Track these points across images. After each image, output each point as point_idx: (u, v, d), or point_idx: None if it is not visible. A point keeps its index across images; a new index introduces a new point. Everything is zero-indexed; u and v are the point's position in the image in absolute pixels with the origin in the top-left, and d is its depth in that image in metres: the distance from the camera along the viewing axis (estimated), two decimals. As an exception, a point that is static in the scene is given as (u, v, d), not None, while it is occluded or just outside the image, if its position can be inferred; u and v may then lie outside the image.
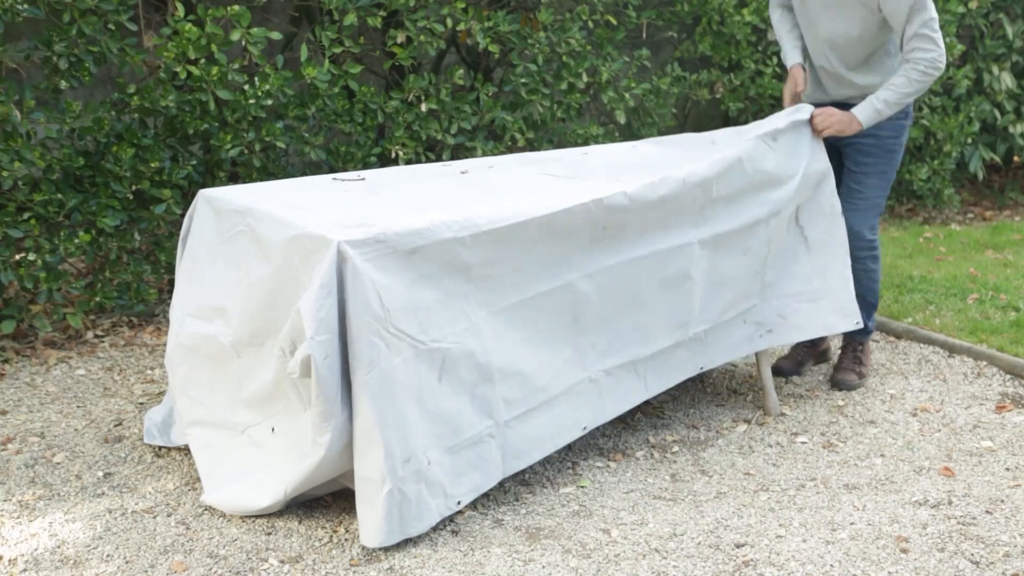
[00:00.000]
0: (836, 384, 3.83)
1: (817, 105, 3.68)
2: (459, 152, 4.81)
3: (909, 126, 3.77)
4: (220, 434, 3.00)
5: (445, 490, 2.77)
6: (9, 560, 2.66)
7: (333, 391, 2.59)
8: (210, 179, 4.36)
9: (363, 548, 2.72)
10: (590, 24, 5.11)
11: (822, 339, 4.06)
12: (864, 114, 3.58)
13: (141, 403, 3.60)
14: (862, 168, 3.72)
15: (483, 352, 2.80)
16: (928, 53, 3.48)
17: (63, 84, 3.96)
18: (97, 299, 4.10)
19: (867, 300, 3.82)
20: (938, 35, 3.50)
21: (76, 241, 3.95)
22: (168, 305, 4.46)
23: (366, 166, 4.52)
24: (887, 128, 3.68)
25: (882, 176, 3.74)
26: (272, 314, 2.78)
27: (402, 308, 2.65)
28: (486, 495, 3.03)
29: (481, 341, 2.80)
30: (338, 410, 2.62)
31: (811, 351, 4.05)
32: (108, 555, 2.69)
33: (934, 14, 3.51)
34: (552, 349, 2.97)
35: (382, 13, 4.46)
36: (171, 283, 4.56)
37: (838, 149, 3.75)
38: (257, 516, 2.86)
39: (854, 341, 3.91)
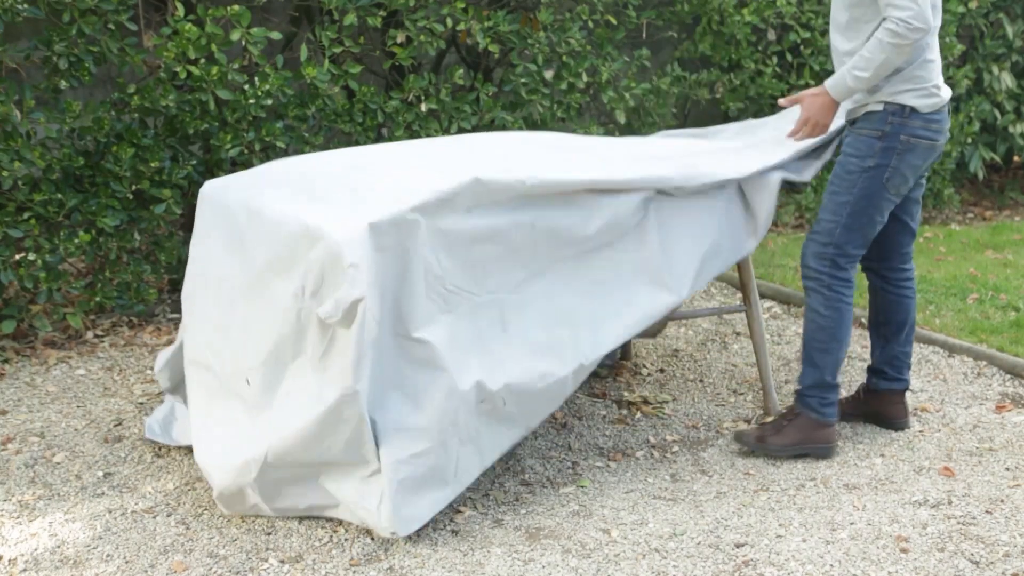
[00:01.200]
0: (735, 435, 3.34)
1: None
2: (459, 152, 4.81)
3: (899, 154, 3.09)
4: (216, 380, 3.01)
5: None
6: (9, 560, 2.66)
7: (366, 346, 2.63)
8: (210, 179, 4.35)
9: (363, 548, 2.72)
10: (590, 24, 5.11)
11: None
12: (832, 83, 3.09)
13: (141, 403, 3.60)
14: (828, 185, 3.23)
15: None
16: (900, 11, 2.90)
17: (63, 84, 3.96)
18: (97, 299, 4.10)
19: (809, 356, 3.24)
20: None
21: (76, 241, 3.95)
22: (168, 305, 4.46)
23: (366, 166, 4.51)
24: (853, 145, 3.14)
25: (834, 200, 3.15)
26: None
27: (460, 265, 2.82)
28: (486, 495, 3.03)
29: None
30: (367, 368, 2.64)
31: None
32: (108, 555, 2.69)
33: None
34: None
35: (382, 13, 4.46)
36: (171, 283, 4.56)
37: None
38: (257, 516, 2.85)
39: (794, 405, 3.30)
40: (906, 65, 3.05)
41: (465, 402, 2.75)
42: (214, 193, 3.16)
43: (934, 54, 3.12)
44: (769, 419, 3.40)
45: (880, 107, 3.09)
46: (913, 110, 3.07)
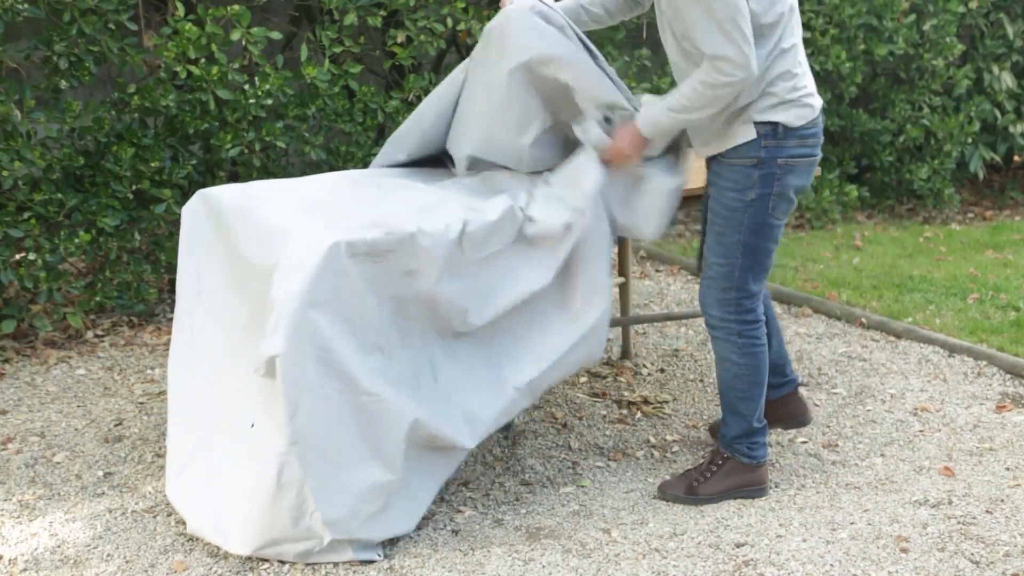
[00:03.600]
0: (659, 488, 3.05)
1: None
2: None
3: (779, 179, 2.79)
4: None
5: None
6: (9, 560, 2.66)
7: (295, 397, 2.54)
8: (210, 179, 4.35)
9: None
10: (590, 24, 5.10)
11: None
12: (645, 120, 2.83)
13: (141, 403, 3.60)
14: (709, 224, 2.93)
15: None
16: (718, 55, 2.62)
17: (63, 84, 3.96)
18: (97, 299, 4.10)
19: (730, 405, 3.01)
20: (737, 32, 2.60)
21: (76, 241, 3.95)
22: (168, 305, 4.46)
23: (366, 166, 4.52)
24: (728, 178, 2.83)
25: (723, 241, 2.86)
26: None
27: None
28: (486, 495, 3.03)
29: None
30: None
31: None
32: (108, 555, 2.69)
33: (736, 4, 2.60)
34: None
35: (382, 13, 4.46)
36: (171, 283, 4.55)
37: None
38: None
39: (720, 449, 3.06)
40: (751, 97, 2.74)
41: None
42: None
43: (797, 64, 2.81)
44: (692, 467, 3.11)
45: (751, 132, 2.78)
46: (786, 128, 2.77)
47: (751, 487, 3.01)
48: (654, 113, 2.81)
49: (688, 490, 2.98)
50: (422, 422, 2.69)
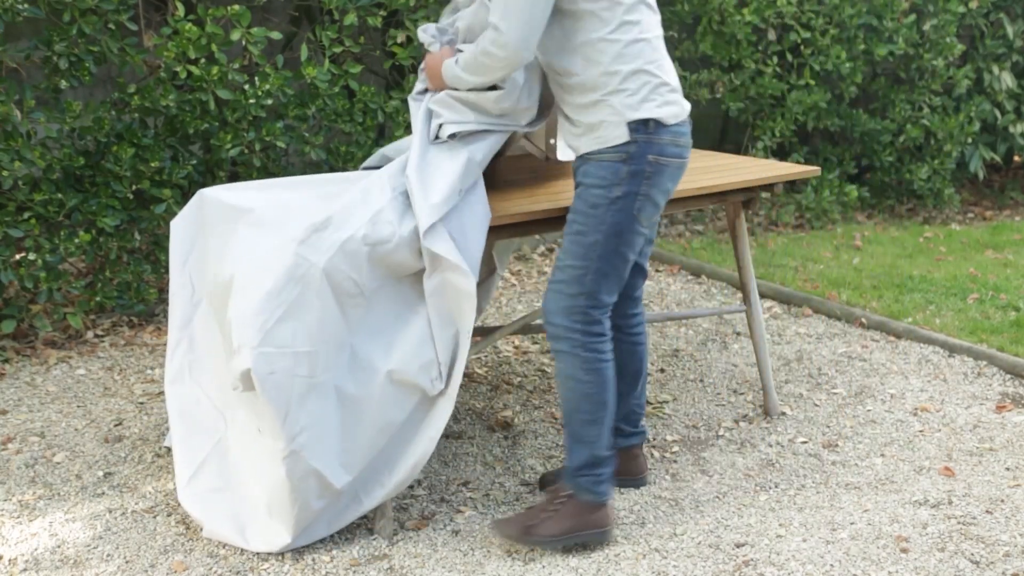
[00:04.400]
0: (495, 524, 2.76)
1: None
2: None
3: (647, 179, 2.61)
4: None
5: None
6: (9, 560, 2.66)
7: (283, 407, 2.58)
8: (210, 179, 4.36)
9: (363, 548, 2.72)
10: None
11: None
12: (447, 65, 2.72)
13: (141, 403, 3.60)
14: (567, 226, 2.71)
15: None
16: (493, 28, 2.52)
17: (63, 84, 3.96)
18: (97, 299, 4.10)
19: (574, 432, 2.73)
20: (519, 9, 2.48)
21: (76, 241, 3.95)
22: (168, 305, 4.46)
23: (366, 166, 4.52)
24: (594, 174, 2.62)
25: (580, 241, 2.64)
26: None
27: None
28: (486, 495, 3.03)
29: None
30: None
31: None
32: (108, 555, 2.69)
33: None
34: None
35: (382, 13, 4.46)
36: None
37: None
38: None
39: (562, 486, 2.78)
40: (616, 77, 2.58)
41: None
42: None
43: (662, 59, 2.67)
44: (532, 505, 2.86)
45: (621, 127, 2.59)
46: (658, 123, 2.60)
47: (593, 530, 2.72)
48: (450, 64, 2.70)
49: (524, 530, 2.69)
50: (395, 370, 2.70)
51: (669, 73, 2.68)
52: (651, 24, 2.66)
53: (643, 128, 2.59)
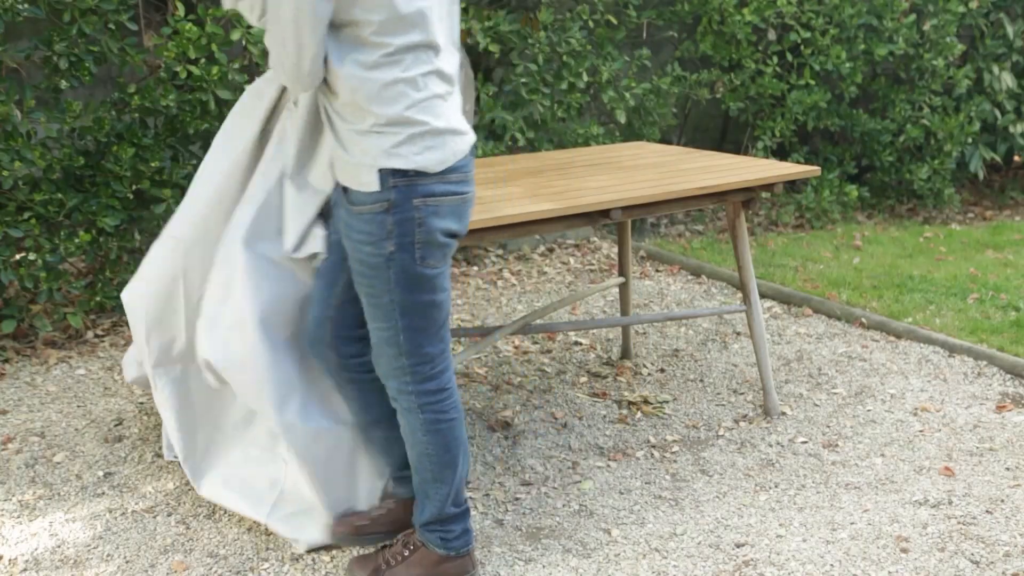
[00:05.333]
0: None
1: None
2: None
3: (420, 224, 2.26)
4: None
5: None
6: (9, 560, 2.66)
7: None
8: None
9: (364, 548, 2.72)
10: (590, 24, 5.11)
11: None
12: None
13: (141, 403, 3.60)
14: (356, 285, 2.41)
15: None
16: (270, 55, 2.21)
17: (63, 84, 3.96)
18: (97, 299, 4.10)
19: (421, 488, 2.54)
20: (288, 33, 2.11)
21: (76, 241, 3.95)
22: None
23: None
24: (359, 229, 2.30)
25: (375, 304, 2.36)
26: None
27: None
28: (486, 495, 3.03)
29: None
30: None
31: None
32: (108, 555, 2.69)
33: (298, 7, 2.07)
34: None
35: (382, 13, 4.46)
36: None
37: None
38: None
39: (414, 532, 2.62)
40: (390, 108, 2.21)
41: None
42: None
43: (442, 88, 2.27)
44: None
45: (373, 180, 2.24)
46: (418, 172, 2.24)
47: None
48: None
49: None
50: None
51: (447, 104, 2.30)
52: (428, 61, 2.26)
53: (401, 172, 2.24)
